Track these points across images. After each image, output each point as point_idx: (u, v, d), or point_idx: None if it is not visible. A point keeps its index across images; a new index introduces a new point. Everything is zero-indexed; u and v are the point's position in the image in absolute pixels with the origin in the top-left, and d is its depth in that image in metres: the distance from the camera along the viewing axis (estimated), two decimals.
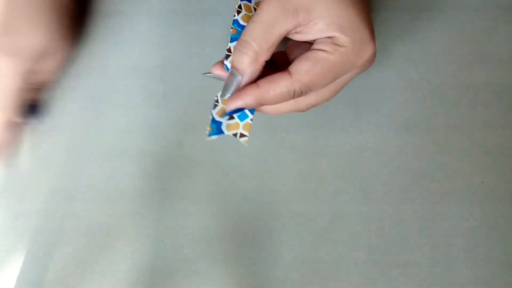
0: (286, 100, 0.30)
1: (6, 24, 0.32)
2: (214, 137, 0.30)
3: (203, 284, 0.36)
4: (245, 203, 0.37)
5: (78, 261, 0.36)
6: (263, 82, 0.29)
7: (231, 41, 0.33)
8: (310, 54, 0.29)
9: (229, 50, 0.32)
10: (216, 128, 0.29)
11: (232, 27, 0.33)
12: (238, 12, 0.33)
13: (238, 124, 0.30)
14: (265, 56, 0.29)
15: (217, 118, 0.30)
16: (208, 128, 0.29)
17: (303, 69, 0.28)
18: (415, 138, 0.37)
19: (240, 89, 0.30)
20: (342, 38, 0.28)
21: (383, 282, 0.36)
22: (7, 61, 0.32)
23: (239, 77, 0.29)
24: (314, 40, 0.30)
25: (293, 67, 0.29)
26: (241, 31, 0.32)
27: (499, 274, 0.36)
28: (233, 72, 0.29)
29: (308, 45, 0.31)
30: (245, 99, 0.29)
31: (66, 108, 0.38)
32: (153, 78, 0.38)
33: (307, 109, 0.32)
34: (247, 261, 0.36)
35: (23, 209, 0.37)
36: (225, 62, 0.32)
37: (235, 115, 0.30)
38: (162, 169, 0.37)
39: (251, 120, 0.30)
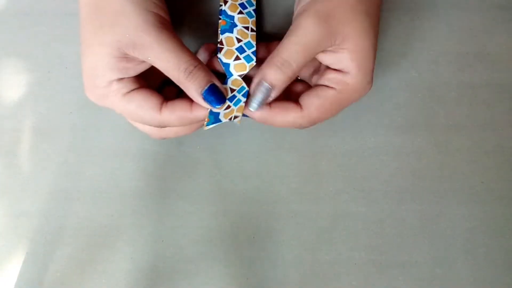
0: (291, 127, 0.32)
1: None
2: (211, 126, 0.30)
3: (203, 284, 0.36)
4: (245, 203, 0.37)
5: (78, 261, 0.36)
6: (275, 106, 0.31)
7: (222, 33, 0.32)
8: (320, 91, 0.31)
9: (220, 43, 0.32)
10: (214, 118, 0.30)
11: (220, 18, 0.33)
12: (225, 2, 0.33)
13: (233, 110, 0.31)
14: (298, 73, 0.30)
15: (215, 110, 0.30)
16: (206, 119, 0.30)
17: (313, 106, 0.30)
18: (415, 138, 0.37)
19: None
20: (354, 78, 0.30)
21: (383, 282, 0.36)
22: None
23: (272, 93, 0.30)
24: (321, 66, 0.31)
25: (304, 102, 0.31)
26: (230, 22, 0.32)
27: (499, 274, 0.36)
28: (265, 85, 0.30)
29: (317, 68, 0.33)
30: (255, 114, 0.31)
31: (66, 108, 0.38)
32: None
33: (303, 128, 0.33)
34: (247, 261, 0.36)
35: (23, 209, 0.37)
36: (219, 56, 0.32)
37: (231, 104, 0.31)
38: (162, 169, 0.37)
39: (244, 102, 0.31)
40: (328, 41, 0.29)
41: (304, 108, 0.31)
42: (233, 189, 0.37)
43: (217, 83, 0.30)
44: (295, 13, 0.31)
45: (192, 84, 0.29)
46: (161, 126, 0.30)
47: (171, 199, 0.37)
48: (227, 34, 0.32)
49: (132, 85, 0.30)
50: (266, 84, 0.30)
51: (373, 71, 0.31)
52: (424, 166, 0.37)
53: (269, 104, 0.31)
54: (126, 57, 0.29)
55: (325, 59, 0.30)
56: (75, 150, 0.37)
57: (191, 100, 0.30)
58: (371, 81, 0.31)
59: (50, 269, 0.36)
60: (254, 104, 0.30)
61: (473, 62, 0.38)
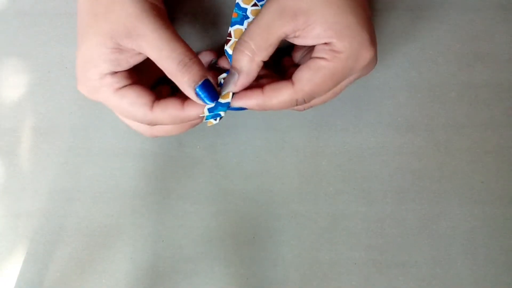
0: (289, 107, 0.30)
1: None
2: (211, 120, 0.30)
3: (203, 284, 0.36)
4: (245, 203, 0.37)
5: (78, 261, 0.36)
6: (267, 88, 0.30)
7: (232, 25, 0.32)
8: (310, 63, 0.29)
9: (229, 35, 0.32)
10: (211, 110, 0.30)
11: (234, 11, 0.33)
12: None
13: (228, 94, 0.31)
14: (262, 55, 0.29)
15: (207, 106, 0.30)
16: (203, 114, 0.30)
17: (304, 78, 0.29)
18: (415, 138, 0.37)
19: (245, 91, 0.30)
20: (339, 44, 0.28)
21: (383, 282, 0.36)
22: None
23: (236, 76, 0.29)
24: (314, 46, 0.30)
25: (295, 76, 0.29)
26: (242, 14, 0.32)
27: (499, 274, 0.36)
28: (231, 71, 0.30)
29: (310, 50, 0.31)
30: (249, 102, 0.30)
31: (66, 109, 0.38)
32: None
33: (305, 109, 0.32)
34: (247, 261, 0.36)
35: (23, 209, 0.37)
36: (226, 47, 0.32)
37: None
38: (162, 169, 0.37)
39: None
40: (287, 19, 0.28)
41: (296, 83, 0.29)
42: (233, 189, 0.37)
43: (211, 79, 0.29)
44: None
45: (186, 77, 0.28)
46: (152, 124, 0.30)
47: (171, 199, 0.37)
48: (236, 26, 0.32)
49: (125, 81, 0.29)
50: (232, 70, 0.29)
51: (365, 32, 0.28)
52: (424, 166, 0.37)
53: (261, 89, 0.30)
54: (119, 48, 0.28)
55: (304, 42, 0.29)
56: (75, 150, 0.37)
57: (183, 99, 0.30)
58: (367, 44, 0.29)
59: (50, 269, 0.36)
60: (222, 88, 0.30)
61: (473, 62, 0.38)
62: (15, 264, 0.36)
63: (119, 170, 0.37)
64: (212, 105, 0.30)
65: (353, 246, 0.36)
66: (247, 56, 0.29)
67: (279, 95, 0.29)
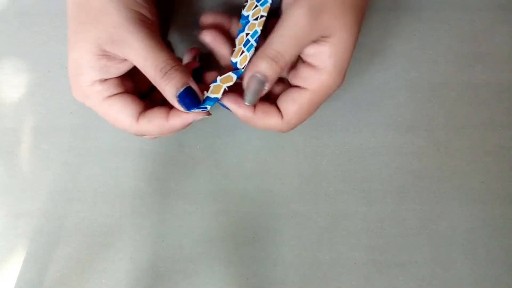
0: (269, 130, 0.32)
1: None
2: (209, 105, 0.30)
3: (203, 284, 0.36)
4: (245, 203, 0.37)
5: (78, 261, 0.36)
6: (259, 109, 0.31)
7: (237, 36, 0.32)
8: (296, 96, 0.31)
9: (234, 46, 0.32)
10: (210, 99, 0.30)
11: (239, 23, 0.33)
12: (244, 7, 0.33)
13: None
14: (288, 66, 0.30)
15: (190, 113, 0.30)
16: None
17: (291, 112, 0.31)
18: (415, 138, 0.37)
19: (239, 98, 0.31)
20: (330, 74, 0.30)
21: (383, 282, 0.36)
22: None
23: (265, 84, 0.30)
24: (301, 61, 0.31)
25: (283, 108, 0.31)
26: (244, 22, 0.32)
27: (499, 274, 0.36)
28: (259, 78, 0.30)
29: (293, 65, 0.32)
30: (238, 111, 0.31)
31: (66, 108, 0.38)
32: None
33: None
34: (247, 261, 0.36)
35: (23, 209, 0.37)
36: (231, 58, 0.32)
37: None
38: (162, 169, 0.37)
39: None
40: (318, 34, 0.29)
41: (284, 115, 0.31)
42: (233, 189, 0.37)
43: (193, 86, 0.29)
44: (284, 2, 0.31)
45: (167, 85, 0.29)
46: (139, 134, 0.31)
47: (171, 199, 0.37)
48: (240, 35, 0.32)
49: (114, 89, 0.30)
50: (259, 76, 0.29)
51: (347, 67, 0.30)
52: (424, 166, 0.37)
53: (254, 107, 0.31)
54: (106, 55, 0.29)
55: (306, 49, 0.30)
56: (75, 150, 0.37)
57: (168, 109, 0.30)
58: (343, 77, 0.30)
59: (50, 269, 0.36)
60: (249, 97, 0.30)
61: (473, 62, 0.38)
62: (15, 264, 0.36)
63: (119, 170, 0.37)
64: (194, 110, 0.30)
65: (353, 246, 0.36)
66: (280, 69, 0.29)
67: (267, 120, 0.31)
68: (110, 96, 0.30)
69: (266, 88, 0.30)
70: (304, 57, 0.31)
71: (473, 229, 0.36)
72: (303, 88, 0.31)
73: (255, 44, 0.32)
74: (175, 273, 0.36)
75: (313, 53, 0.30)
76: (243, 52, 0.32)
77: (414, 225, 0.36)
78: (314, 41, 0.29)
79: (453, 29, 0.38)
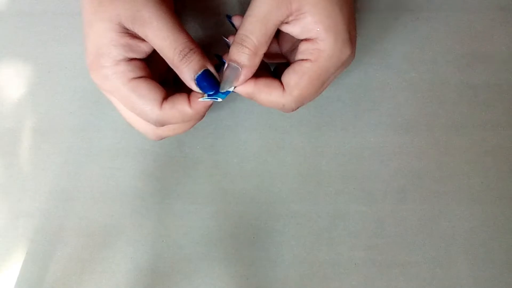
0: (275, 107, 0.31)
1: None
2: (208, 99, 0.30)
3: (203, 284, 0.36)
4: (245, 203, 0.37)
5: (78, 261, 0.36)
6: (260, 82, 0.30)
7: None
8: (296, 66, 0.30)
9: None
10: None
11: None
12: None
13: None
14: (263, 49, 0.29)
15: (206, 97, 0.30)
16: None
17: (292, 82, 0.30)
18: (415, 138, 0.37)
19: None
20: (324, 42, 0.29)
21: (383, 282, 0.36)
22: None
23: (239, 70, 0.29)
24: (298, 44, 0.30)
25: (284, 79, 0.30)
26: None
27: (499, 274, 0.36)
28: (232, 65, 0.29)
29: (296, 46, 0.32)
30: (239, 88, 0.30)
31: (66, 109, 0.38)
32: None
33: (292, 111, 0.32)
34: (247, 261, 0.36)
35: (23, 209, 0.37)
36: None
37: None
38: (162, 169, 0.37)
39: None
40: (283, 7, 0.28)
41: (285, 87, 0.30)
42: (233, 189, 0.37)
43: (211, 69, 0.29)
44: None
45: (186, 68, 0.28)
46: (160, 123, 0.30)
47: (171, 199, 0.37)
48: None
49: (139, 71, 0.29)
50: (233, 64, 0.29)
51: (347, 31, 0.29)
52: (424, 166, 0.37)
53: (255, 80, 0.30)
54: (129, 33, 0.28)
55: (292, 30, 0.29)
56: (75, 150, 0.37)
57: (188, 95, 0.30)
58: (348, 42, 0.29)
59: (50, 269, 0.36)
60: (223, 85, 0.30)
61: (473, 62, 0.38)
62: (15, 264, 0.36)
63: (119, 170, 0.37)
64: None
65: (353, 246, 0.36)
66: (250, 51, 0.29)
67: (269, 93, 0.30)
68: (135, 78, 0.29)
69: (243, 73, 0.29)
70: (297, 37, 0.30)
71: (473, 229, 0.36)
72: (304, 59, 0.30)
73: None
74: (175, 273, 0.36)
75: (300, 30, 0.29)
76: None
77: (414, 225, 0.36)
78: (293, 19, 0.29)
79: (453, 29, 0.38)
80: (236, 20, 0.32)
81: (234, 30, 0.32)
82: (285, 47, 0.34)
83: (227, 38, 0.32)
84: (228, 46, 0.31)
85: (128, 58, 0.29)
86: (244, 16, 0.29)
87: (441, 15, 0.39)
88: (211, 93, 0.29)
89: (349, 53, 0.30)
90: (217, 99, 0.30)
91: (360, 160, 0.37)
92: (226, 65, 0.30)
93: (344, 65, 0.31)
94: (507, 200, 0.36)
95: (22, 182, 0.37)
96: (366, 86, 0.38)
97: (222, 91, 0.30)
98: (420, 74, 0.38)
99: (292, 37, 0.31)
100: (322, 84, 0.30)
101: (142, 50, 0.29)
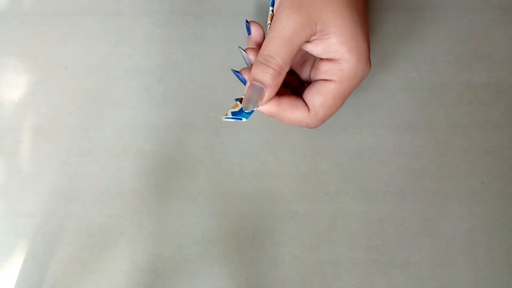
0: (298, 125, 0.32)
1: None
2: (230, 120, 0.31)
3: (203, 284, 0.36)
4: (245, 203, 0.37)
5: (78, 261, 0.36)
6: (284, 102, 0.31)
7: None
8: (320, 87, 0.30)
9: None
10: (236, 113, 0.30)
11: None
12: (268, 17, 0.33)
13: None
14: (287, 68, 0.30)
15: (232, 110, 0.31)
16: (225, 114, 0.30)
17: (317, 103, 0.30)
18: (415, 138, 0.37)
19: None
20: (348, 63, 0.29)
21: (383, 282, 0.36)
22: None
23: (263, 90, 0.29)
24: (318, 62, 0.31)
25: (309, 101, 0.31)
26: None
27: (499, 273, 0.36)
28: (255, 85, 0.29)
29: (315, 63, 0.32)
30: (263, 108, 0.31)
31: (66, 109, 0.38)
32: (153, 78, 0.38)
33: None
34: (247, 261, 0.36)
35: (23, 209, 0.37)
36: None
37: None
38: (162, 169, 0.37)
39: None
40: (308, 29, 0.29)
41: (311, 108, 0.31)
42: (233, 189, 0.37)
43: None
44: (275, 8, 0.31)
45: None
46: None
47: (171, 199, 0.37)
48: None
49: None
50: (256, 84, 0.29)
51: (368, 49, 0.30)
52: (424, 166, 0.37)
53: (278, 99, 0.30)
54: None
55: (314, 49, 0.30)
56: (75, 150, 0.37)
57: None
58: (368, 61, 0.30)
59: (50, 269, 0.36)
60: (247, 104, 0.30)
61: (473, 62, 0.38)
62: (15, 264, 0.36)
63: (119, 170, 0.37)
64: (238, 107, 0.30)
65: (353, 246, 0.36)
66: (274, 71, 0.29)
67: (293, 113, 0.31)
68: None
69: (267, 94, 0.30)
70: (318, 56, 0.30)
71: (473, 229, 0.36)
72: (327, 80, 0.30)
73: None
74: (175, 273, 0.36)
75: (323, 50, 0.30)
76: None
77: (414, 225, 0.36)
78: (317, 39, 0.29)
79: (453, 29, 0.38)
80: (253, 27, 0.32)
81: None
82: (295, 59, 0.34)
83: (244, 50, 0.32)
84: (244, 58, 0.31)
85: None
86: (269, 35, 0.29)
87: (441, 15, 0.39)
88: (234, 111, 0.30)
89: (369, 69, 0.31)
90: (241, 119, 0.30)
91: (360, 160, 0.37)
92: (248, 84, 0.30)
93: (363, 80, 0.31)
94: (507, 200, 0.36)
95: (22, 182, 0.37)
96: (366, 86, 0.38)
97: (246, 111, 0.30)
98: (420, 74, 0.38)
99: (303, 50, 0.31)
100: (344, 101, 0.31)
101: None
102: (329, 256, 0.36)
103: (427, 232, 0.36)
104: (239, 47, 0.32)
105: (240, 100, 0.31)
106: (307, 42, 0.30)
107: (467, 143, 0.37)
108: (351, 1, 0.30)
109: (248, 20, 0.32)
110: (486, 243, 0.36)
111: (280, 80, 0.30)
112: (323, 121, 0.31)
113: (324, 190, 0.37)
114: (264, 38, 0.32)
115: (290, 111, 0.31)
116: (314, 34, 0.29)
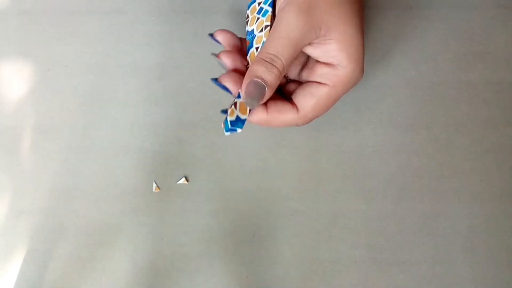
0: (288, 126, 0.32)
1: None
2: (229, 133, 0.31)
3: (203, 282, 0.36)
4: (245, 201, 0.37)
5: (78, 259, 0.36)
6: (272, 109, 0.31)
7: (247, 53, 0.32)
8: (314, 90, 0.31)
9: (247, 63, 0.32)
10: (231, 123, 0.30)
11: (246, 39, 0.33)
12: (247, 23, 0.33)
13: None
14: (288, 69, 0.30)
15: (230, 118, 0.30)
16: (222, 125, 0.30)
17: (308, 106, 0.31)
18: (415, 137, 0.37)
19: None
20: (345, 69, 0.30)
21: (383, 280, 0.36)
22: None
23: (265, 89, 0.29)
24: (309, 61, 0.31)
25: (299, 103, 0.31)
26: (251, 37, 0.32)
27: (499, 272, 0.36)
28: (258, 82, 0.29)
29: (305, 63, 0.33)
30: (252, 118, 0.31)
31: (66, 107, 0.38)
32: (153, 76, 0.38)
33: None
34: (247, 259, 0.36)
35: (24, 208, 0.37)
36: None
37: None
38: (161, 168, 0.37)
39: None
40: (313, 32, 0.29)
41: (300, 109, 0.31)
42: (233, 187, 0.37)
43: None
44: (278, 7, 0.31)
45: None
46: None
47: (171, 198, 0.37)
48: (250, 51, 0.32)
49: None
50: (257, 81, 0.29)
51: (363, 58, 0.30)
52: (424, 164, 0.37)
53: (266, 106, 0.31)
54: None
55: (313, 52, 0.30)
56: (75, 149, 0.37)
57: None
58: (362, 69, 0.31)
59: (51, 267, 0.36)
60: (250, 101, 0.30)
61: (473, 60, 0.38)
62: (15, 263, 0.36)
63: (119, 169, 0.37)
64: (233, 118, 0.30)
65: (353, 244, 0.36)
66: (278, 71, 0.29)
67: (283, 117, 0.31)
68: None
69: (267, 93, 0.30)
70: (316, 58, 0.31)
71: (473, 227, 0.36)
72: (321, 83, 0.30)
73: None
74: (175, 271, 0.36)
75: (322, 53, 0.30)
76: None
77: (414, 224, 0.36)
78: (318, 42, 0.29)
79: (453, 27, 0.38)
80: (219, 36, 0.32)
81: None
82: (294, 68, 0.34)
83: (216, 56, 0.32)
84: (219, 64, 0.31)
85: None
86: (272, 35, 0.29)
87: (441, 13, 0.39)
88: (232, 120, 0.30)
89: (361, 77, 0.31)
90: (236, 130, 0.30)
91: (360, 158, 0.37)
92: (248, 80, 0.29)
93: (355, 85, 0.32)
94: (507, 199, 0.36)
95: (22, 180, 0.37)
96: (366, 84, 0.38)
97: (249, 107, 0.30)
98: (420, 72, 0.38)
99: (302, 56, 0.32)
100: (334, 103, 0.32)
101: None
102: (329, 254, 0.36)
103: (427, 231, 0.36)
104: (212, 53, 0.32)
105: (229, 108, 0.31)
106: (308, 44, 0.30)
107: (467, 142, 0.37)
108: (354, 7, 0.30)
109: (211, 33, 0.32)
110: (486, 241, 0.36)
111: (279, 82, 0.30)
112: (311, 120, 0.32)
113: (324, 188, 0.37)
114: (236, 38, 0.32)
115: (279, 116, 0.31)
116: (316, 38, 0.29)
